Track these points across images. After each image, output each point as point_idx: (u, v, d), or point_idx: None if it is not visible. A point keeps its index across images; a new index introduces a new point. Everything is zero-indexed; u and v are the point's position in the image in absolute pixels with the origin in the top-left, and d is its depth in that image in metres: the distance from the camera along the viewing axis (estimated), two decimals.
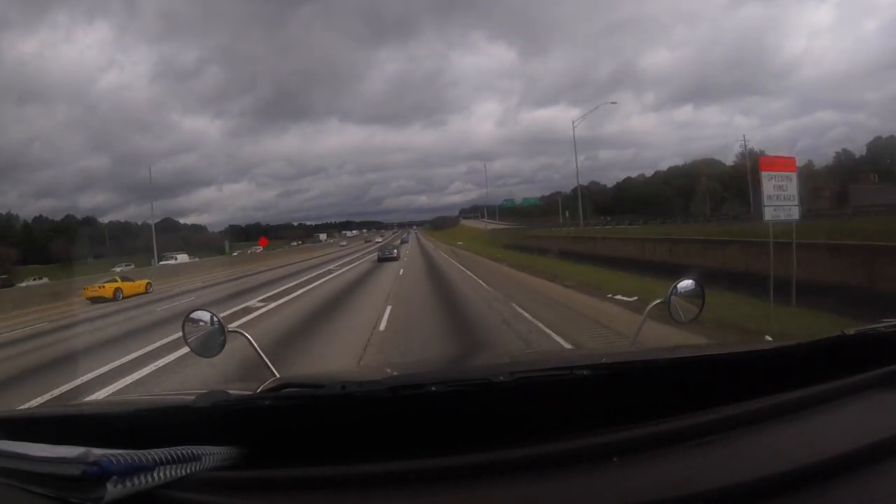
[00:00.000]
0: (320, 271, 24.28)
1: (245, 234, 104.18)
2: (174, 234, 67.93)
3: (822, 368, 0.94)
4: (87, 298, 18.86)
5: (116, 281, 20.14)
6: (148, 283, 21.44)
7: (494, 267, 21.21)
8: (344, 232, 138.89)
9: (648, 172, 79.60)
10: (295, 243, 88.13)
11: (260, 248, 52.03)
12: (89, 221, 72.29)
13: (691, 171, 65.80)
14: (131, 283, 20.71)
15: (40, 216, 72.39)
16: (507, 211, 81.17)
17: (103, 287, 19.28)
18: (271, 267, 32.00)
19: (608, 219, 52.58)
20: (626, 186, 77.34)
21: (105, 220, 79.72)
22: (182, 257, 40.89)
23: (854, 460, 0.70)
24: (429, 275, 19.14)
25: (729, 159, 64.89)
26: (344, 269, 24.95)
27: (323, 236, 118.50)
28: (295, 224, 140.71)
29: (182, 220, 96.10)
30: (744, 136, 60.87)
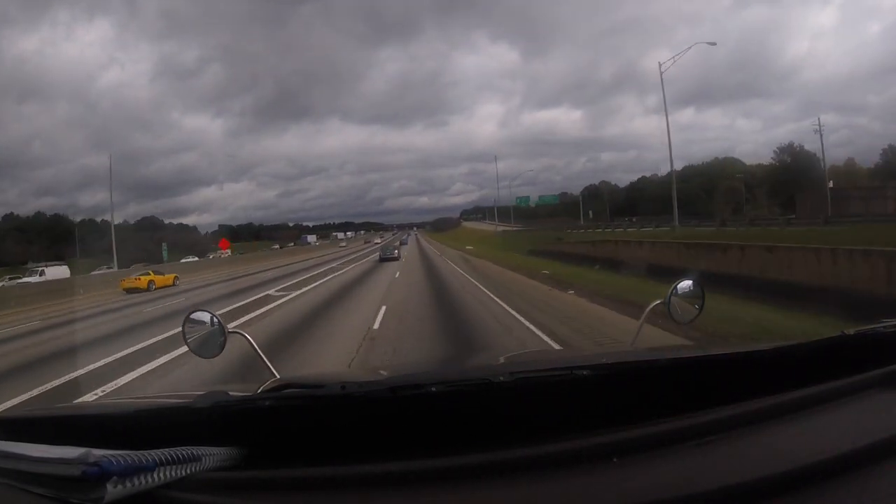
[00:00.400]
0: (244, 301, 13.43)
1: (236, 235, 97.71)
2: (152, 235, 60.96)
3: (822, 368, 0.94)
4: (123, 289, 21.95)
5: (150, 274, 23.75)
6: (175, 277, 25.10)
7: (573, 304, 10.13)
8: (335, 234, 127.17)
9: (650, 174, 75.59)
10: (276, 246, 76.46)
11: (225, 253, 42.02)
12: (58, 219, 64.90)
13: (710, 171, 62.08)
14: (162, 276, 24.35)
15: (11, 214, 66.46)
16: (517, 211, 75.02)
17: (139, 279, 22.75)
18: (197, 286, 22.37)
19: (634, 220, 48.11)
20: (641, 186, 72.28)
21: (98, 218, 71.96)
22: (56, 271, 29.26)
23: (854, 460, 0.70)
24: (442, 323, 8.60)
25: (749, 159, 62.04)
26: (290, 296, 14.15)
27: (312, 238, 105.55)
28: (290, 224, 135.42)
29: (168, 220, 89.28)
30: (818, 119, 50.71)
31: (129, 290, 21.56)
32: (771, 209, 46.69)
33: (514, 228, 63.48)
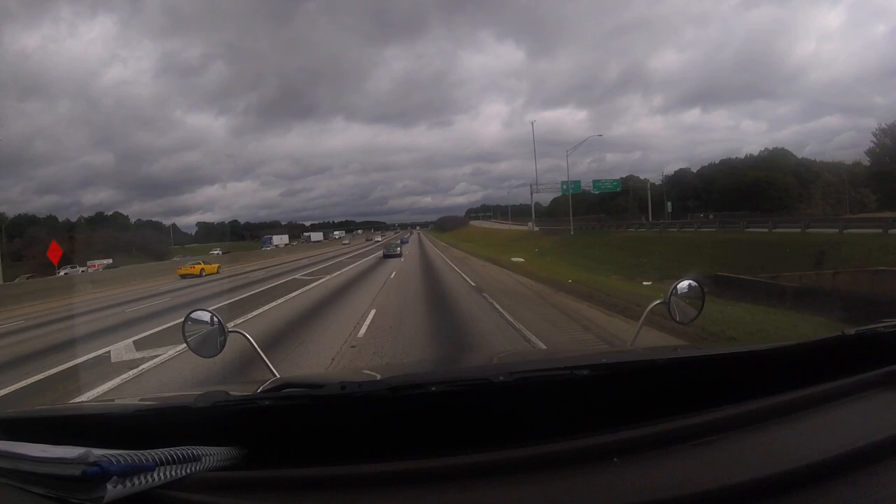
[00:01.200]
0: None
1: (218, 235, 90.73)
2: (107, 235, 53.83)
3: (822, 368, 0.94)
4: (180, 275, 27.24)
5: (200, 264, 29.20)
6: (219, 266, 30.25)
7: None
8: (307, 234, 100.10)
9: (655, 175, 65.61)
10: (216, 251, 54.44)
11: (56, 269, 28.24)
12: None
13: (762, 164, 54.57)
14: (210, 265, 29.73)
15: None
16: (520, 209, 62.52)
17: (193, 268, 28.18)
18: None
19: (710, 216, 39.75)
20: (678, 180, 61.08)
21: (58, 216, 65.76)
22: None
23: (854, 460, 0.70)
24: None
25: (804, 152, 54.90)
26: None
27: (279, 238, 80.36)
28: (283, 223, 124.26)
29: (137, 219, 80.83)
30: None
31: (184, 276, 26.82)
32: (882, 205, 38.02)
33: (548, 227, 50.03)
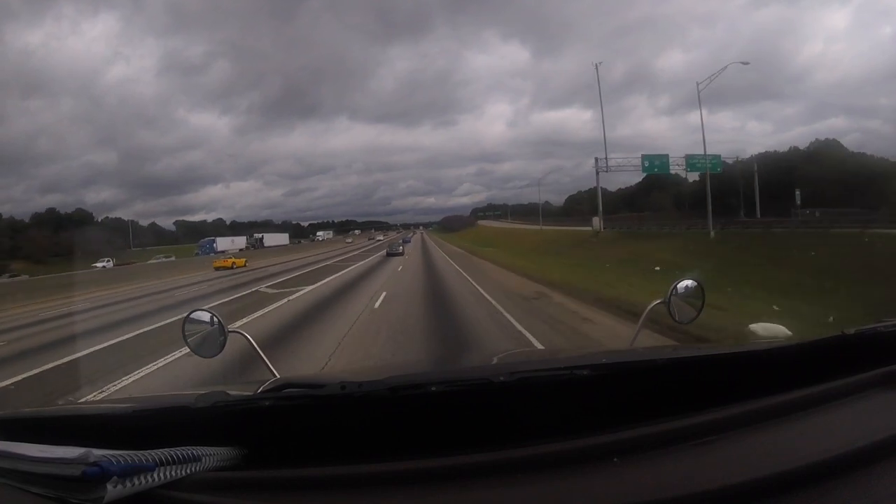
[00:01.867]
0: None
1: (200, 233, 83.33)
2: (30, 234, 48.74)
3: (822, 368, 0.94)
4: (215, 268, 32.20)
5: (232, 258, 35.41)
6: (246, 261, 35.89)
7: None
8: (258, 236, 74.33)
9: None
10: (104, 263, 39.43)
11: None
12: None
13: (814, 157, 43.92)
14: (239, 260, 35.65)
15: None
16: (524, 209, 52.04)
17: (226, 262, 33.88)
18: None
19: (817, 213, 30.71)
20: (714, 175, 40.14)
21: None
22: None
23: (854, 460, 0.70)
24: None
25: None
26: None
27: (227, 242, 60.72)
28: (278, 223, 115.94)
29: (104, 216, 74.61)
30: None
31: (217, 269, 31.64)
32: None
33: (616, 227, 37.82)
